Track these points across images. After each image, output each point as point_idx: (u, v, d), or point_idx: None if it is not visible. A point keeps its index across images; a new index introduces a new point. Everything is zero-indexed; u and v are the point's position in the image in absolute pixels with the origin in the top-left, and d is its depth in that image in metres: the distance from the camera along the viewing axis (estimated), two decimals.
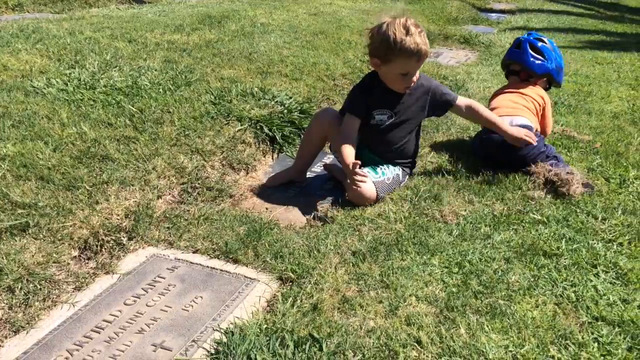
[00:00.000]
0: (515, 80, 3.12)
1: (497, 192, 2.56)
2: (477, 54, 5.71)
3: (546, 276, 1.97)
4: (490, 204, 2.46)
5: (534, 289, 1.90)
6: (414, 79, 2.54)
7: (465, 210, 2.40)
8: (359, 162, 2.45)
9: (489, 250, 2.12)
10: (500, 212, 2.40)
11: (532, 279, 1.96)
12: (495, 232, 2.24)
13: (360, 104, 2.60)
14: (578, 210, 2.42)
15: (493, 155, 2.82)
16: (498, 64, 5.04)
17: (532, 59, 3.03)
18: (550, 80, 3.11)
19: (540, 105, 2.98)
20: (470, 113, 2.77)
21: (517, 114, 2.87)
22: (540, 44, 3.05)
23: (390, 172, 2.58)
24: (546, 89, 3.14)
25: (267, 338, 1.63)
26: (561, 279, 1.96)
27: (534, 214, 2.38)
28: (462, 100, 2.74)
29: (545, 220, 2.34)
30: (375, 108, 2.60)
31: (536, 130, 2.86)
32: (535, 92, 3.02)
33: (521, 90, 3.01)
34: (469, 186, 2.61)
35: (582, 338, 1.68)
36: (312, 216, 2.47)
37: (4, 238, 1.99)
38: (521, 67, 3.08)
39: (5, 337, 1.69)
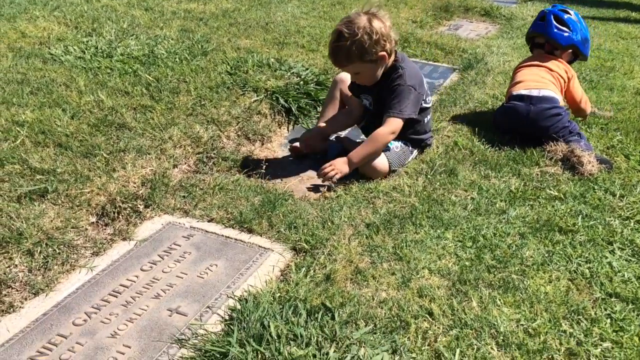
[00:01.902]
0: (540, 53, 3.07)
1: (514, 168, 2.54)
2: (497, 27, 5.59)
3: (561, 252, 1.97)
4: (507, 179, 2.44)
5: (548, 265, 1.90)
6: (363, 79, 2.53)
7: (480, 185, 2.38)
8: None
9: (504, 225, 2.11)
10: (517, 187, 2.38)
11: (546, 255, 1.95)
12: (510, 208, 2.23)
13: (352, 83, 2.72)
14: (596, 187, 2.39)
15: (516, 126, 2.79)
16: (519, 37, 4.95)
17: (556, 31, 2.97)
18: (576, 52, 3.04)
19: (565, 82, 2.93)
20: None
21: (545, 87, 2.82)
22: (565, 15, 2.98)
23: (396, 142, 2.58)
24: (571, 62, 3.07)
25: (280, 306, 1.65)
26: (576, 255, 1.95)
27: (550, 189, 2.36)
28: (388, 120, 2.48)
29: (562, 196, 2.32)
30: (361, 92, 2.69)
31: (562, 105, 2.82)
32: (562, 67, 2.95)
33: (547, 65, 2.95)
34: (485, 161, 2.59)
35: (595, 314, 1.68)
36: (322, 189, 2.49)
37: (24, 203, 2.03)
38: (545, 39, 3.03)
39: (25, 299, 1.73)
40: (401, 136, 2.56)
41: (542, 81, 2.87)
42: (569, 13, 3.00)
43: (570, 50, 3.02)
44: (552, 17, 2.98)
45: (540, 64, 2.98)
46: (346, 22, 2.40)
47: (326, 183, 2.49)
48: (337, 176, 2.45)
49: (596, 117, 3.15)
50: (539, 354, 1.53)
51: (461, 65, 4.11)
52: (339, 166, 2.47)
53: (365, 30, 2.36)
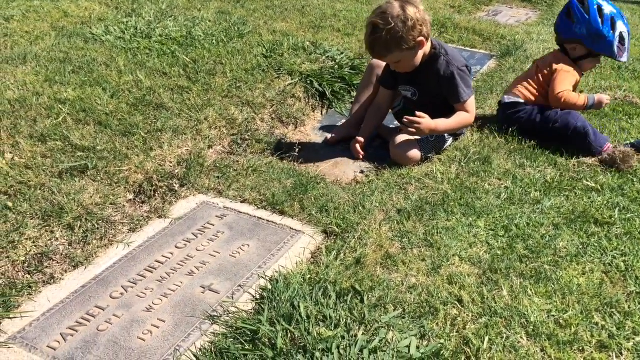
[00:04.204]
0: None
1: (551, 157, 2.49)
2: (538, 13, 5.46)
3: (596, 244, 1.93)
4: (542, 169, 2.41)
5: (582, 256, 1.87)
6: (406, 66, 2.49)
7: (515, 174, 2.35)
8: (362, 139, 2.65)
9: (538, 215, 2.09)
10: (552, 177, 2.34)
11: (580, 246, 1.92)
12: (545, 198, 2.19)
13: (387, 75, 2.71)
14: (635, 180, 2.34)
15: (521, 127, 2.69)
16: None
17: (559, 22, 2.75)
18: (589, 49, 2.69)
19: (547, 77, 2.73)
20: None
21: (512, 91, 2.78)
22: (579, 5, 2.67)
23: None
24: (583, 57, 2.73)
25: (311, 288, 1.67)
26: (611, 247, 1.92)
27: (587, 181, 2.32)
28: (461, 108, 2.55)
29: (600, 188, 2.27)
30: (400, 83, 2.68)
31: (526, 102, 2.72)
32: (551, 63, 2.74)
33: (538, 62, 2.81)
34: (521, 150, 2.55)
35: (629, 307, 1.65)
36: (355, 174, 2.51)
37: (65, 178, 2.09)
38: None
39: (66, 271, 1.79)
40: None
41: (515, 86, 2.79)
42: (583, 3, 2.67)
43: (576, 45, 2.72)
44: (567, 6, 2.73)
45: (539, 64, 2.81)
46: (379, 13, 2.36)
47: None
48: (415, 136, 2.50)
49: (638, 108, 3.06)
50: (570, 345, 1.52)
51: (499, 52, 4.03)
52: (425, 127, 2.46)
53: (400, 18, 2.32)
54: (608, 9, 2.66)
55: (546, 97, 2.70)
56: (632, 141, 2.56)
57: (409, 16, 2.33)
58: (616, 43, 2.64)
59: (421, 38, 2.39)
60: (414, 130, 2.45)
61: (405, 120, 2.46)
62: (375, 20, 2.36)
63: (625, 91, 3.28)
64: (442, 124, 2.51)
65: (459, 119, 2.56)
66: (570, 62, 2.74)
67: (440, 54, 2.51)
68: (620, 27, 2.64)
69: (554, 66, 2.72)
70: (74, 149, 2.25)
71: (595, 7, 2.64)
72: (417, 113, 2.47)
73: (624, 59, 2.71)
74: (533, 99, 2.74)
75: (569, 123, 2.56)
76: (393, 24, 2.32)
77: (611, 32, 2.63)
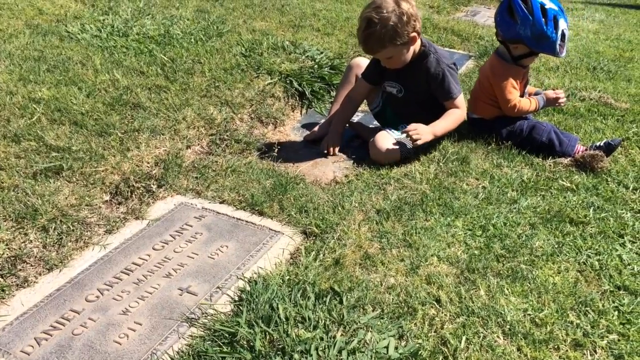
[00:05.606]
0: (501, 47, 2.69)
1: (527, 157, 2.52)
2: None
3: (571, 243, 1.96)
4: (519, 169, 2.43)
5: (558, 256, 1.90)
6: (397, 63, 2.51)
7: (492, 174, 2.38)
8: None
9: (515, 215, 2.11)
10: (529, 177, 2.37)
11: (556, 246, 1.95)
12: (522, 197, 2.22)
13: (372, 69, 2.69)
14: (609, 179, 2.38)
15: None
16: None
17: (500, 19, 2.59)
18: (531, 48, 2.57)
19: (490, 89, 2.68)
20: None
21: (472, 108, 2.77)
22: (522, 4, 2.49)
23: None
24: (526, 56, 2.61)
25: (289, 289, 1.67)
26: (586, 247, 1.95)
27: (563, 180, 2.35)
28: (452, 105, 2.57)
29: (575, 187, 2.31)
30: (386, 79, 2.67)
31: (488, 118, 2.71)
32: (489, 74, 2.66)
33: (480, 76, 2.74)
34: (498, 150, 2.58)
35: (603, 306, 1.68)
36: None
37: (39, 179, 2.06)
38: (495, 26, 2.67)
39: (40, 274, 1.76)
40: (425, 120, 2.53)
41: (474, 102, 2.77)
42: (526, 3, 2.49)
43: (519, 45, 2.58)
44: (507, 3, 2.56)
45: (480, 76, 2.77)
46: (374, 8, 2.36)
47: (403, 140, 2.50)
48: (418, 143, 2.44)
49: (612, 109, 3.11)
50: (545, 344, 1.54)
51: (477, 52, 4.07)
52: (423, 133, 2.44)
53: (395, 13, 2.34)
54: (549, 5, 2.51)
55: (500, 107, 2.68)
56: (600, 143, 2.56)
57: (404, 11, 2.35)
58: (559, 42, 2.53)
59: (414, 33, 2.41)
60: (418, 136, 2.42)
61: (405, 132, 2.44)
62: (370, 14, 2.35)
63: (600, 91, 3.34)
64: (439, 125, 2.51)
65: (454, 117, 2.57)
66: (507, 65, 2.63)
67: (429, 52, 2.53)
68: (562, 25, 2.52)
69: (490, 79, 2.64)
70: (49, 149, 2.21)
71: (539, 6, 2.48)
72: (410, 125, 2.45)
73: (564, 54, 2.62)
74: (492, 113, 2.70)
75: (534, 139, 2.59)
76: (389, 19, 2.33)
77: (554, 32, 2.49)
